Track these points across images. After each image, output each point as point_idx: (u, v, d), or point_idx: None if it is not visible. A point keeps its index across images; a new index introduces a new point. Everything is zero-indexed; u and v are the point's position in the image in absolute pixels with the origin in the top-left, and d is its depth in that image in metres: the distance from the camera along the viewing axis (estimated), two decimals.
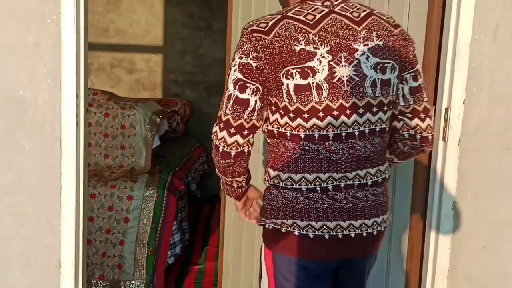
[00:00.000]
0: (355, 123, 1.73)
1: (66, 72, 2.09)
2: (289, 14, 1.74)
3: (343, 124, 1.72)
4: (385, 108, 1.78)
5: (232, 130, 1.73)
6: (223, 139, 1.75)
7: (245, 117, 1.73)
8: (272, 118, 1.77)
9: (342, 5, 1.78)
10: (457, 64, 2.18)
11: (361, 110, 1.73)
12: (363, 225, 1.80)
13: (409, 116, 1.84)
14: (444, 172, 2.23)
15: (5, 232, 2.16)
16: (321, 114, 1.70)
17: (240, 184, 1.90)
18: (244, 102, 1.72)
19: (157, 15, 5.75)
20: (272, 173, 1.80)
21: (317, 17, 1.73)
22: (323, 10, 1.75)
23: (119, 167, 3.93)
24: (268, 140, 1.83)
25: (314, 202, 1.76)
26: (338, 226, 1.77)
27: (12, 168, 2.13)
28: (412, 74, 1.83)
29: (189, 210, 4.35)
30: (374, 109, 1.75)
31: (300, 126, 1.72)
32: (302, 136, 1.73)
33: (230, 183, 1.90)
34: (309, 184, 1.76)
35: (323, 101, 1.70)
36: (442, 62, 2.23)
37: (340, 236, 1.78)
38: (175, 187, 3.81)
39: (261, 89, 1.72)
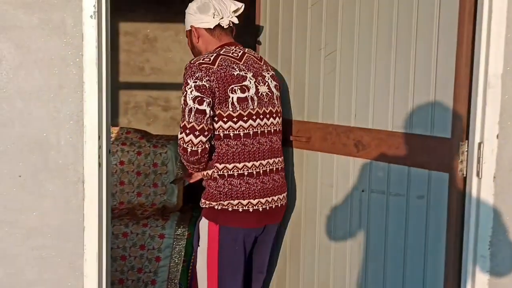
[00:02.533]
0: (271, 123, 2.66)
1: (88, 114, 2.09)
2: (221, 53, 2.57)
3: (266, 124, 2.62)
4: (280, 114, 2.74)
5: (197, 133, 2.45)
6: (190, 141, 2.46)
7: (204, 122, 2.45)
8: (216, 125, 2.51)
9: (246, 49, 2.70)
10: (489, 96, 2.10)
11: (274, 115, 2.68)
12: (278, 199, 2.68)
13: None
14: (479, 210, 2.14)
15: (28, 276, 2.14)
16: (254, 117, 2.57)
17: (202, 167, 2.58)
18: (203, 111, 2.44)
19: (191, 53, 5.80)
20: (220, 166, 2.55)
21: (239, 55, 2.63)
22: (240, 51, 2.66)
23: (151, 205, 3.92)
24: (213, 143, 2.54)
25: (251, 185, 2.57)
26: (266, 201, 2.61)
27: (35, 211, 2.13)
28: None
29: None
30: (277, 115, 2.71)
31: (241, 127, 2.53)
32: (242, 134, 2.54)
33: (195, 169, 2.60)
34: (249, 170, 2.57)
35: (255, 108, 2.57)
36: (473, 95, 2.15)
37: (267, 208, 2.62)
38: None
39: (211, 103, 2.46)
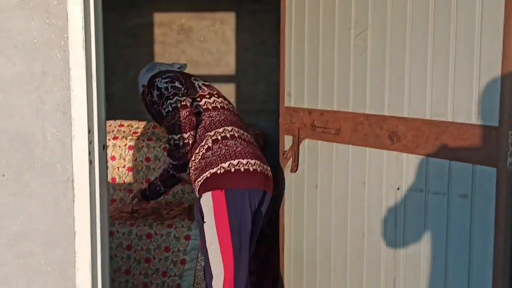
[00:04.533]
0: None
1: (76, 105, 1.85)
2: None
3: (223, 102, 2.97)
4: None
5: None
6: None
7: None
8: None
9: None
10: None
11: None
12: (267, 169, 2.80)
13: None
14: None
15: (14, 287, 1.92)
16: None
17: None
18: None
19: (228, 43, 5.54)
20: (211, 133, 2.73)
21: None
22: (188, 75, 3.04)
23: (179, 204, 3.69)
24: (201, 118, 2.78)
25: (244, 146, 2.74)
26: (261, 165, 2.75)
27: (21, 214, 1.90)
28: None
29: (258, 249, 4.01)
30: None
31: (215, 101, 2.88)
32: (219, 106, 2.86)
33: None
34: (236, 133, 2.78)
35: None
36: None
37: (264, 172, 2.75)
38: None
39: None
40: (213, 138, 2.71)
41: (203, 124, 2.76)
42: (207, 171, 2.65)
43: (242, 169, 2.64)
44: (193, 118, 2.70)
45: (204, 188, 2.67)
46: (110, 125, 4.02)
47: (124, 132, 3.93)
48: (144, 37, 5.64)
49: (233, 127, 2.78)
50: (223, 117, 2.79)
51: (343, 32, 2.44)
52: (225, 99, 2.98)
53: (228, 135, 2.73)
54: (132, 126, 3.98)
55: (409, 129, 2.18)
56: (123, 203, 3.66)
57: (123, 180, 3.79)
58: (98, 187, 1.91)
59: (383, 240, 2.32)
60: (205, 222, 2.67)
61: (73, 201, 1.88)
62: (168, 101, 2.69)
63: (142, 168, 3.77)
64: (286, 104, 2.79)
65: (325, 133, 2.54)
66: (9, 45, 1.84)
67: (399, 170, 2.24)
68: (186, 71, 3.16)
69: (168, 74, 2.85)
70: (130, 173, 3.79)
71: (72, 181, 1.88)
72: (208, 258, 2.69)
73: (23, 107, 1.86)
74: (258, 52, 5.47)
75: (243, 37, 5.53)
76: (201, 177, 2.68)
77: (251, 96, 5.50)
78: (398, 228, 2.26)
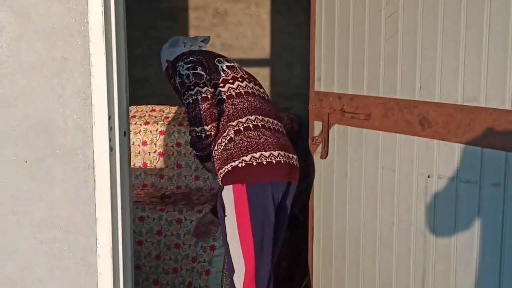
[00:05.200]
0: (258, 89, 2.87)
1: (97, 91, 1.83)
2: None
3: (254, 87, 2.83)
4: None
5: None
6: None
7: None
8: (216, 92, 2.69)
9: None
10: None
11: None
12: (293, 158, 2.71)
13: None
14: None
15: (38, 273, 1.93)
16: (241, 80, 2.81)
17: None
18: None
19: (264, 26, 5.47)
20: (233, 123, 2.61)
21: None
22: None
23: (209, 189, 3.68)
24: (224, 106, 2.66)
25: (268, 137, 2.61)
26: (286, 155, 2.64)
27: (44, 200, 1.89)
28: None
29: (291, 236, 3.97)
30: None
31: (239, 86, 2.74)
32: (243, 92, 2.71)
33: None
34: (260, 122, 2.64)
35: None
36: None
37: (288, 162, 2.64)
38: None
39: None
40: (235, 128, 2.60)
41: (227, 113, 2.64)
42: (228, 163, 2.57)
43: (264, 162, 2.54)
44: (214, 111, 2.60)
45: (225, 181, 2.60)
46: (142, 110, 4.02)
47: (155, 117, 3.92)
48: (180, 20, 5.62)
49: (256, 116, 2.64)
50: (246, 105, 2.66)
51: (374, 13, 2.35)
52: (250, 81, 2.81)
53: (251, 125, 2.60)
54: (163, 111, 3.97)
55: (440, 115, 2.09)
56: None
57: (154, 165, 3.78)
58: (119, 174, 1.89)
59: (412, 230, 2.25)
60: (226, 216, 2.61)
61: (94, 188, 1.87)
62: (189, 92, 2.59)
63: (173, 153, 3.76)
64: (316, 88, 2.72)
65: (354, 118, 2.47)
66: (30, 31, 1.83)
67: (429, 157, 2.16)
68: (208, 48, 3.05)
69: (191, 58, 2.71)
70: (161, 158, 3.78)
71: (93, 168, 1.87)
72: (229, 252, 2.64)
73: (45, 93, 1.85)
74: (293, 35, 5.38)
75: (278, 20, 5.45)
76: (223, 169, 2.60)
77: (286, 79, 5.43)
78: (428, 217, 2.18)
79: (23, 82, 1.85)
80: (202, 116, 2.57)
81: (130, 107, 4.09)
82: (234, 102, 2.65)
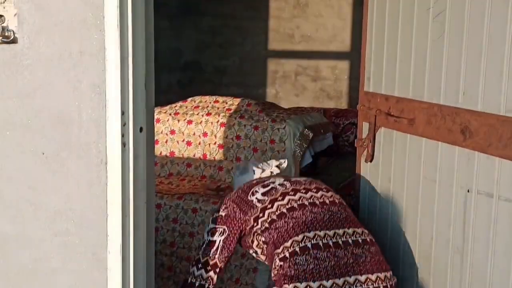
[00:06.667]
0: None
1: (111, 85, 1.80)
2: None
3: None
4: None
5: None
6: None
7: None
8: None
9: None
10: None
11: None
12: (370, 281, 2.11)
13: None
14: None
15: (52, 264, 1.94)
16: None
17: None
18: None
19: (345, 18, 5.32)
20: (279, 250, 2.14)
21: None
22: None
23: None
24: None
25: (321, 260, 2.11)
26: (346, 282, 2.10)
27: (59, 192, 1.90)
28: None
29: None
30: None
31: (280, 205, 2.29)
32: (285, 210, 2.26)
33: None
34: (312, 240, 2.15)
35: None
36: None
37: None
38: None
39: None
40: (280, 256, 2.13)
41: (272, 240, 2.19)
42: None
43: None
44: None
45: None
46: (206, 101, 4.00)
47: (218, 108, 3.89)
48: (261, 10, 5.57)
49: (305, 234, 2.16)
50: (291, 224, 2.19)
51: (421, 12, 2.19)
52: (296, 192, 2.33)
53: (297, 250, 2.11)
54: (226, 103, 3.93)
55: (482, 125, 1.91)
56: None
57: (214, 157, 3.76)
58: (131, 171, 1.86)
59: (450, 246, 2.08)
60: None
61: (106, 184, 1.86)
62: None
63: (232, 146, 3.72)
64: (366, 88, 2.59)
65: (399, 122, 2.32)
66: (49, 23, 1.83)
67: (470, 170, 1.98)
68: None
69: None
70: (221, 150, 3.75)
71: (106, 164, 1.85)
72: None
73: (62, 86, 1.85)
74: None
75: (361, 12, 5.27)
76: None
77: None
78: (466, 234, 2.01)
79: (42, 74, 1.85)
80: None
81: (195, 97, 4.13)
82: (277, 225, 2.21)
